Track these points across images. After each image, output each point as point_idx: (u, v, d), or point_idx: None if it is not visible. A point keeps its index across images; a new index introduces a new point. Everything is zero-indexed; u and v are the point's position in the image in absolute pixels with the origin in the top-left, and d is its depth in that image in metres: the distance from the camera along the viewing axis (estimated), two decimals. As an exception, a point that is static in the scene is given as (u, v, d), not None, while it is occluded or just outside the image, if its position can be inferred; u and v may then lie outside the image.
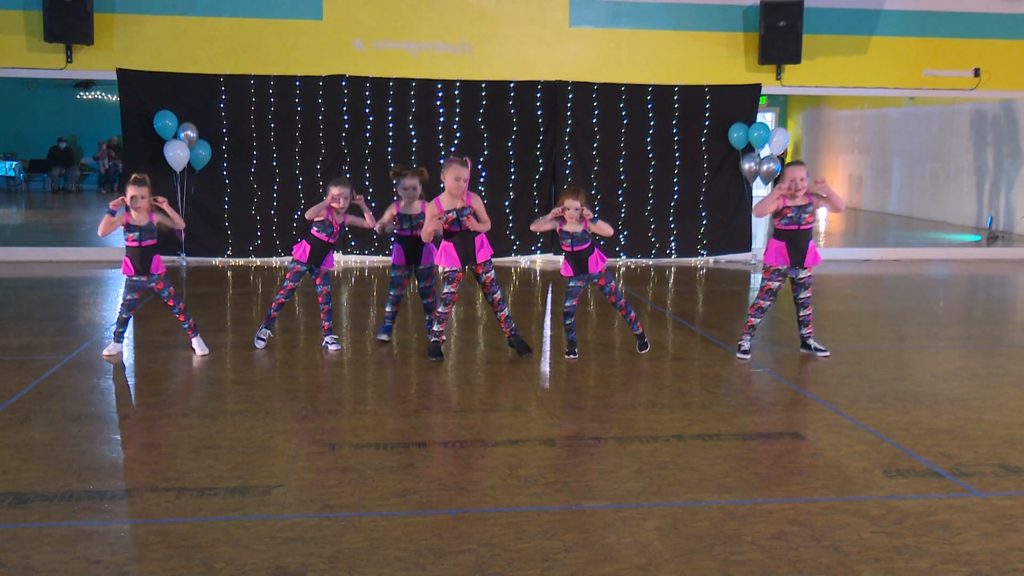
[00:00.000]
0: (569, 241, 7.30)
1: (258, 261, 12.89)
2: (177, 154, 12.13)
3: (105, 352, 7.48)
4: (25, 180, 25.27)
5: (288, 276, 7.66)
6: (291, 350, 7.77)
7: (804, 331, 7.69)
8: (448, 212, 7.13)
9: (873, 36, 13.67)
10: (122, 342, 7.56)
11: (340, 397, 6.47)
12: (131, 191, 7.16)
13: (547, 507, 4.49)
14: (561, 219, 7.26)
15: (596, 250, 7.39)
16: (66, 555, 3.92)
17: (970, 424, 5.88)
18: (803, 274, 7.43)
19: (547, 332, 8.67)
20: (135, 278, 7.33)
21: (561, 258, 7.64)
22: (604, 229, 7.28)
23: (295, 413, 6.01)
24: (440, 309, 7.38)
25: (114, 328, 7.58)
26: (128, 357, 7.58)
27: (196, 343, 7.56)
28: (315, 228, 7.58)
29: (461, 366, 7.31)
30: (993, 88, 14.09)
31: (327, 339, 7.70)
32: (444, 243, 7.25)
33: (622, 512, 4.43)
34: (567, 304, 7.45)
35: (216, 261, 12.76)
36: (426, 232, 7.25)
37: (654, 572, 3.84)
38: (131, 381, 6.83)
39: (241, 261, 12.86)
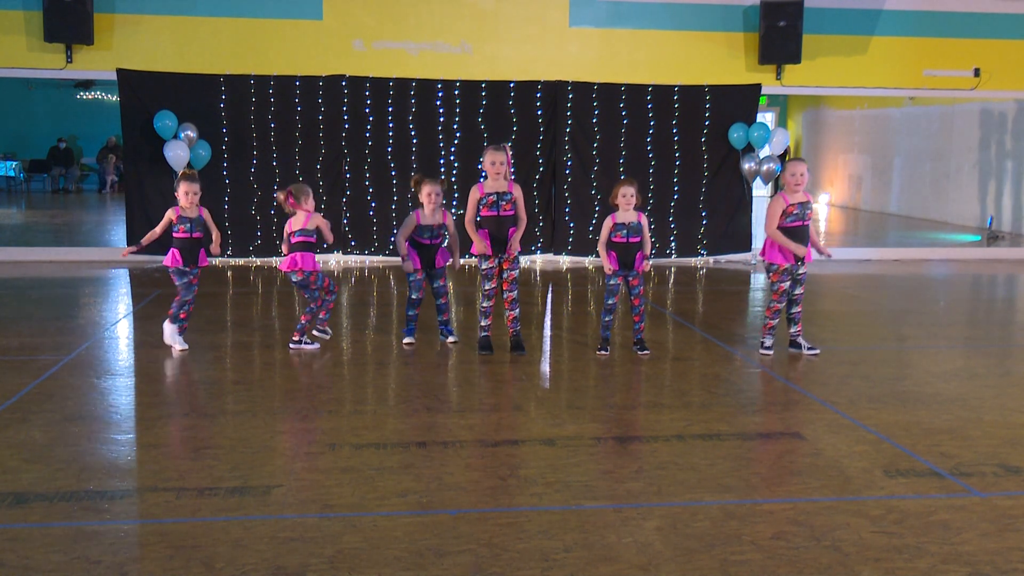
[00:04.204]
0: (624, 232, 7.38)
1: (258, 261, 12.90)
2: (177, 154, 12.13)
3: (178, 347, 7.53)
4: (25, 180, 25.27)
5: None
6: (291, 350, 7.76)
7: (793, 329, 7.72)
8: (489, 195, 7.29)
9: (873, 36, 13.67)
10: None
11: (340, 397, 6.47)
12: (184, 187, 7.44)
13: (547, 507, 4.49)
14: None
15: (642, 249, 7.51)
16: (66, 555, 3.92)
17: (970, 424, 5.88)
18: (801, 269, 7.51)
19: (547, 332, 8.67)
20: (183, 268, 7.50)
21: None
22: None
23: (295, 413, 6.02)
24: (485, 304, 7.53)
25: (182, 322, 7.60)
26: (128, 357, 7.59)
27: (175, 336, 7.63)
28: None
29: (461, 366, 7.31)
30: (993, 88, 14.09)
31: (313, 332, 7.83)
32: (480, 231, 7.38)
33: (622, 512, 4.43)
34: (609, 302, 7.55)
35: (216, 261, 12.76)
36: (467, 218, 7.42)
37: (654, 572, 3.84)
38: (131, 381, 6.83)
39: (241, 261, 12.87)
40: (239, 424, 5.72)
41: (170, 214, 7.50)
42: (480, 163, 12.89)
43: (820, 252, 7.86)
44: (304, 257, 7.50)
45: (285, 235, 7.63)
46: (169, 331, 7.58)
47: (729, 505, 4.53)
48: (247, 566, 3.84)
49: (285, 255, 7.61)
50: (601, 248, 7.51)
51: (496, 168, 7.29)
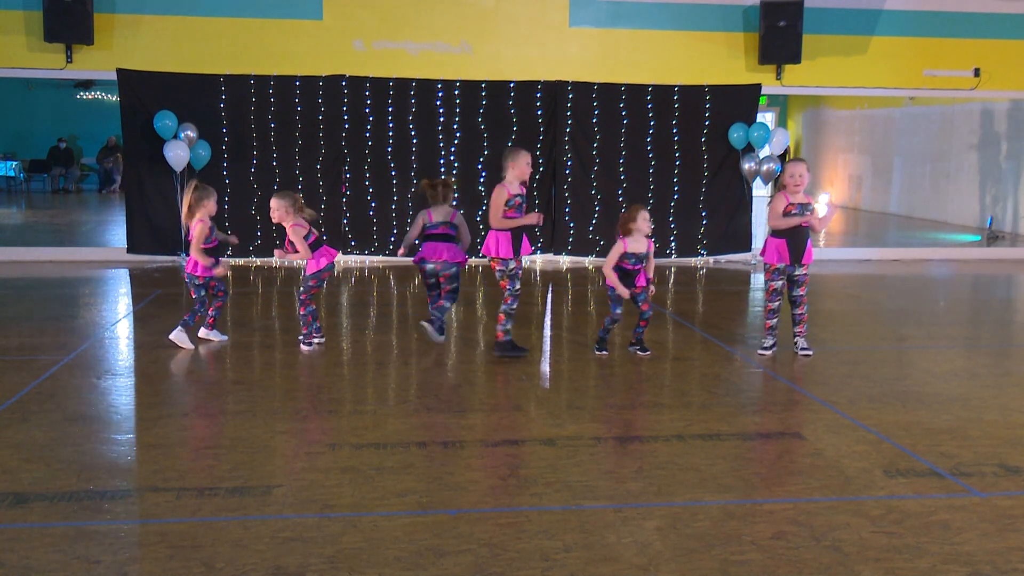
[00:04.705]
0: (632, 261, 7.37)
1: (258, 261, 12.90)
2: (177, 154, 12.13)
3: (214, 339, 7.94)
4: (25, 180, 25.27)
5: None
6: (290, 350, 7.77)
7: (796, 329, 7.71)
8: (515, 196, 7.29)
9: (873, 36, 13.67)
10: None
11: (340, 397, 6.47)
12: (214, 198, 7.85)
13: (547, 507, 4.49)
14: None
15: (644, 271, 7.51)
16: (66, 555, 3.92)
17: (970, 424, 5.88)
18: (800, 270, 7.50)
19: (547, 332, 8.67)
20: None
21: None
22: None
23: (295, 413, 6.02)
24: (515, 307, 7.44)
25: (188, 324, 7.75)
26: (128, 357, 7.59)
27: (179, 334, 7.71)
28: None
29: (461, 366, 7.31)
30: (993, 88, 14.09)
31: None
32: (500, 234, 7.30)
33: (622, 512, 4.43)
34: (616, 312, 7.50)
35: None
36: (495, 216, 7.29)
37: (654, 572, 3.85)
38: (131, 381, 6.83)
39: (241, 261, 12.87)
40: (239, 424, 5.72)
41: (205, 231, 7.67)
42: (481, 163, 12.99)
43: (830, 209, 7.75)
44: (328, 250, 7.89)
45: (294, 241, 7.75)
46: (183, 335, 7.74)
47: (729, 505, 4.53)
48: (247, 566, 3.84)
49: (306, 261, 7.80)
50: (607, 269, 7.44)
51: (530, 171, 7.37)
